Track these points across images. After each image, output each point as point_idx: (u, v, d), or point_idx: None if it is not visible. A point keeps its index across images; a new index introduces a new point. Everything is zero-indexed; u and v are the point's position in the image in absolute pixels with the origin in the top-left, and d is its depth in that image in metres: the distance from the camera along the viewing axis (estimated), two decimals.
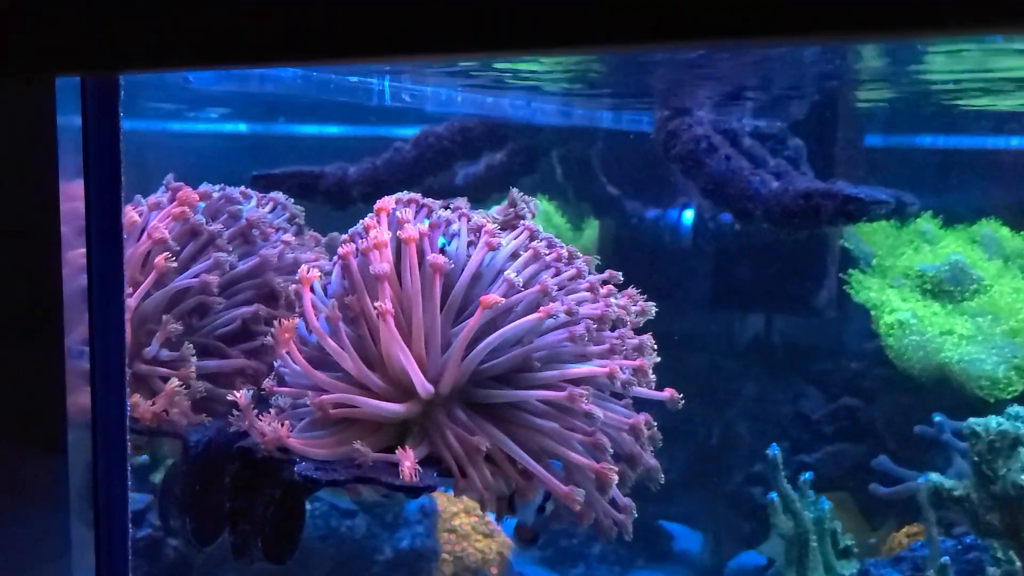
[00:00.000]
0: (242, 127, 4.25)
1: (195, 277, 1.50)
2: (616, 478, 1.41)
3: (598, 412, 1.42)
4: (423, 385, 1.34)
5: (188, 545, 1.55)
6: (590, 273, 1.59)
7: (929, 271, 3.32)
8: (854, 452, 3.38)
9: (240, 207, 1.60)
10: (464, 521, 3.12)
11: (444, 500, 3.21)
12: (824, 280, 3.48)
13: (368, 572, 2.90)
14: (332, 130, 4.14)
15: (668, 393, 1.58)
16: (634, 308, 1.55)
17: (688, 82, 2.39)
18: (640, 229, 3.51)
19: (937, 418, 2.71)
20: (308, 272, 1.41)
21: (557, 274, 1.48)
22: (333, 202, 2.58)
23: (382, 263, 1.38)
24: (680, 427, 3.94)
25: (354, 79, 2.27)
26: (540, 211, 3.79)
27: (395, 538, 2.94)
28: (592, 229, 3.78)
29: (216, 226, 1.54)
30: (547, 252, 1.49)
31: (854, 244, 3.47)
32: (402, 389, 1.41)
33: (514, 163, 3.05)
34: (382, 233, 1.42)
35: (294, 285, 1.47)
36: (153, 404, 1.52)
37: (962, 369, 2.90)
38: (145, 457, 2.20)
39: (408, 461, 1.35)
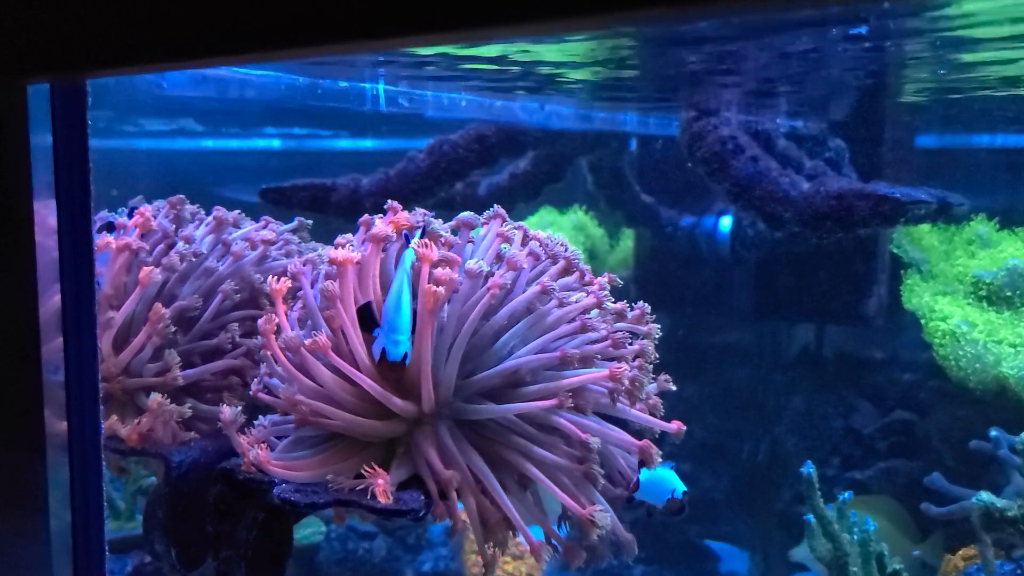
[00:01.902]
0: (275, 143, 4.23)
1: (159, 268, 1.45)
2: (602, 524, 1.30)
3: (595, 442, 1.31)
4: (391, 401, 1.25)
5: (173, 571, 1.47)
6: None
7: (985, 277, 3.13)
8: (909, 468, 3.20)
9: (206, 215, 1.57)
10: None
11: None
12: (874, 287, 3.32)
13: None
14: (367, 144, 4.10)
15: (675, 425, 1.46)
16: (632, 313, 1.44)
17: (715, 79, 2.27)
18: (677, 238, 3.39)
19: (993, 432, 2.54)
20: (278, 283, 1.33)
21: (536, 264, 1.38)
22: (345, 215, 2.51)
23: (330, 283, 1.30)
24: (726, 443, 3.79)
25: (344, 83, 2.18)
26: (576, 222, 3.70)
27: (417, 561, 2.85)
28: (628, 240, 3.67)
29: (188, 230, 1.49)
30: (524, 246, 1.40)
31: (905, 250, 3.30)
32: (383, 406, 1.33)
33: (539, 172, 2.95)
34: (349, 250, 1.34)
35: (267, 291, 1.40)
36: (139, 424, 1.46)
37: (1019, 380, 2.71)
38: (154, 478, 2.15)
39: (381, 480, 1.26)
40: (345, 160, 4.17)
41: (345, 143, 4.16)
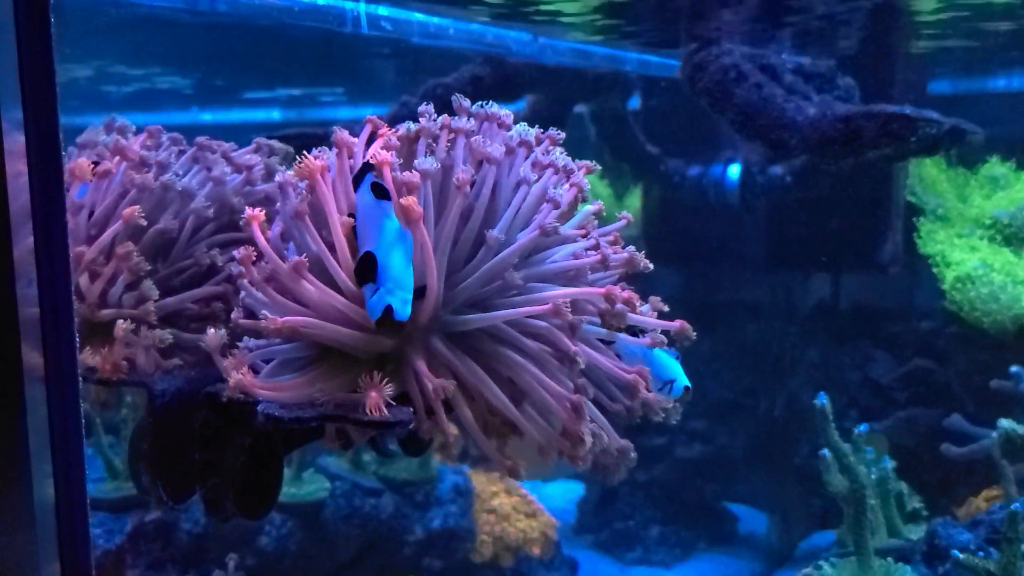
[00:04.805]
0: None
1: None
2: (589, 441, 1.24)
3: (581, 361, 1.25)
4: (359, 313, 1.20)
5: (160, 504, 1.42)
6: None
7: (1004, 217, 3.05)
8: (929, 416, 3.12)
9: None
10: (504, 501, 2.97)
11: (483, 480, 3.07)
12: (889, 234, 3.23)
13: (398, 554, 2.76)
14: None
15: (679, 324, 1.40)
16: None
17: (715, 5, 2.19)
18: (685, 189, 3.31)
19: (1015, 369, 2.46)
20: (254, 211, 1.28)
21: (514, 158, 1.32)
22: None
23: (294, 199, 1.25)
24: (741, 400, 3.72)
25: (322, 1, 2.10)
26: None
27: (426, 518, 2.80)
28: (635, 197, 3.60)
29: (162, 154, 1.44)
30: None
31: (919, 196, 3.22)
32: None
33: (539, 119, 2.87)
34: (319, 160, 1.28)
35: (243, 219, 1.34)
36: (110, 352, 1.40)
37: None
38: None
39: (374, 392, 1.20)
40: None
41: (346, 112, 4.10)
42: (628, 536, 3.59)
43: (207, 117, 4.13)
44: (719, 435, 3.69)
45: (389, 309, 1.14)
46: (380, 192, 1.23)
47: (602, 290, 1.29)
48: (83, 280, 1.45)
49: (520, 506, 2.95)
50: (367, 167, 1.28)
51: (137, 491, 1.53)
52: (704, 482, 3.69)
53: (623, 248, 1.40)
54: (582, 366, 1.25)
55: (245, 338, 1.35)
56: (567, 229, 1.37)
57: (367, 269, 1.19)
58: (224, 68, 3.56)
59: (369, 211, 1.25)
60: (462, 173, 1.25)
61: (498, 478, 3.09)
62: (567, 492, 3.89)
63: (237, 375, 1.24)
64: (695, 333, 1.36)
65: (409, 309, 1.15)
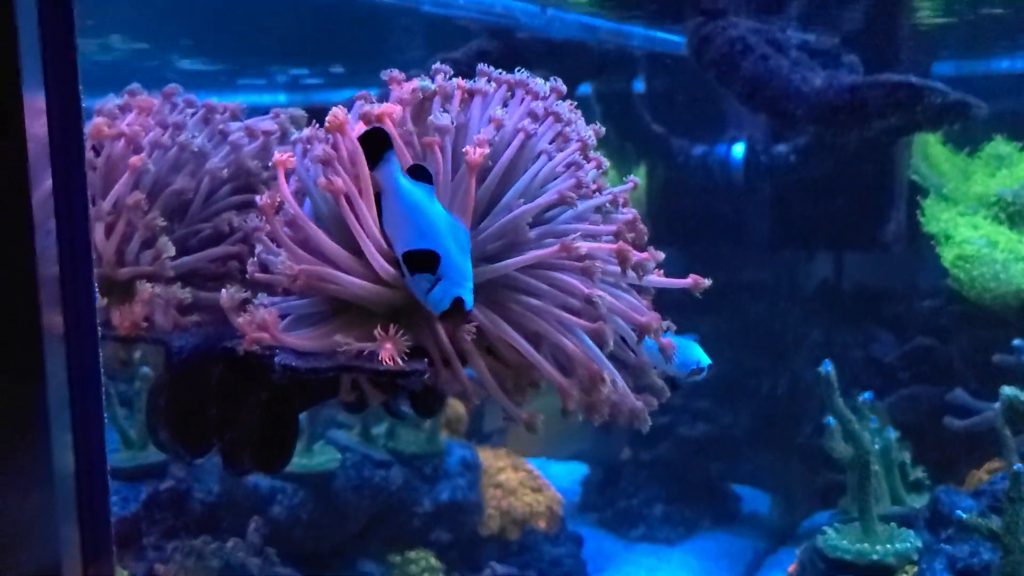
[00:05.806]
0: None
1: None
2: (609, 380, 1.26)
3: (601, 295, 1.27)
4: (382, 266, 1.22)
5: (178, 459, 1.45)
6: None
7: (1007, 195, 3.07)
8: (931, 394, 3.14)
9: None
10: (511, 476, 3.00)
11: (489, 456, 3.09)
12: (892, 213, 3.26)
13: (407, 526, 2.79)
14: None
15: (691, 280, 1.41)
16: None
17: None
18: (689, 168, 3.32)
19: (1017, 342, 2.49)
20: (282, 156, 1.30)
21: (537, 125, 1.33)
22: None
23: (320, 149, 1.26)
24: (744, 380, 3.75)
25: None
26: None
27: (435, 491, 2.83)
28: (639, 177, 3.62)
29: (177, 116, 1.46)
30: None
31: (923, 174, 3.24)
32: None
33: None
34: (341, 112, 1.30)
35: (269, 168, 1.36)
36: (131, 312, 1.42)
37: None
38: None
39: (389, 344, 1.22)
40: None
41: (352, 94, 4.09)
42: (632, 514, 3.62)
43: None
44: (722, 415, 3.72)
45: (460, 301, 1.14)
46: (419, 175, 1.20)
47: (614, 246, 1.31)
48: (99, 238, 1.47)
49: (527, 481, 2.99)
50: (379, 141, 1.26)
51: (155, 447, 1.55)
52: (707, 461, 3.72)
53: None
54: (603, 307, 1.26)
55: (260, 294, 1.37)
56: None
57: (428, 263, 1.15)
58: (227, 49, 3.56)
59: (405, 196, 1.21)
60: (481, 135, 1.26)
61: (504, 454, 3.13)
62: (571, 472, 3.92)
63: (259, 316, 1.25)
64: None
65: (472, 297, 1.16)
